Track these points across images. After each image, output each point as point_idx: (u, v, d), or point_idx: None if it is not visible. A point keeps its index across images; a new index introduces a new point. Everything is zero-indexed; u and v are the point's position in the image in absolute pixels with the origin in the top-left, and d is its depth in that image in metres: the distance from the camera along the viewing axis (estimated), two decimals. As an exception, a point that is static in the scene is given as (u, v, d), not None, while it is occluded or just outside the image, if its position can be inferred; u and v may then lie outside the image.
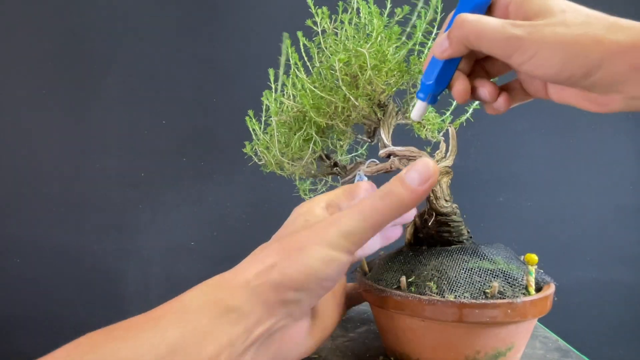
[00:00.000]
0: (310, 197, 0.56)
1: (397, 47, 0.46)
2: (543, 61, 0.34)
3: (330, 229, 0.33)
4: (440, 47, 0.38)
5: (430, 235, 0.43)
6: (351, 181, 0.52)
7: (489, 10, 0.39)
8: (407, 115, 0.49)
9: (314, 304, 0.36)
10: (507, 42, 0.34)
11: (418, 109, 0.43)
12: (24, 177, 1.23)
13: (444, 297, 0.37)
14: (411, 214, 0.45)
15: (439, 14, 0.47)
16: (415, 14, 0.47)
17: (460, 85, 0.40)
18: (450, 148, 0.43)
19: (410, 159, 0.45)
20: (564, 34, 0.33)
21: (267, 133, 0.52)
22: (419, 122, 0.53)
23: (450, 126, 0.43)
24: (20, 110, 1.22)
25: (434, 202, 0.42)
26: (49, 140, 1.23)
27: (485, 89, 0.40)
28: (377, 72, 0.44)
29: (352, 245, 0.34)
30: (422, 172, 0.34)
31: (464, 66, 0.41)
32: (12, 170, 1.22)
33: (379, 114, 0.48)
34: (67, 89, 1.23)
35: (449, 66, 0.40)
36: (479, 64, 0.42)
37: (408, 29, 0.47)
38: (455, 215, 0.42)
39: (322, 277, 0.33)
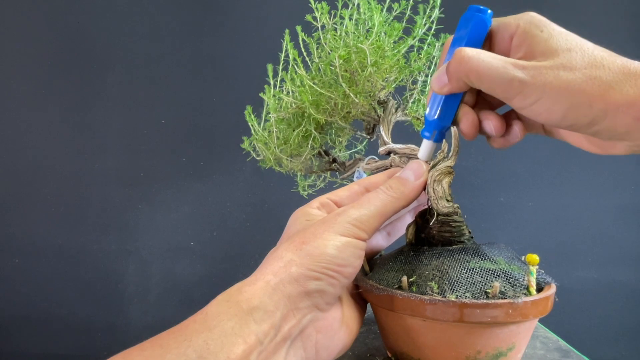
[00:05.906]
0: (308, 194, 0.57)
1: (396, 43, 0.45)
2: (546, 108, 0.32)
3: (338, 218, 0.35)
4: (440, 82, 0.37)
5: (431, 235, 0.43)
6: (350, 177, 0.52)
7: (490, 39, 0.36)
8: (407, 112, 0.49)
9: (339, 292, 0.36)
10: (510, 84, 0.32)
11: (425, 149, 0.41)
12: (24, 177, 1.23)
13: (445, 297, 0.36)
14: (410, 208, 0.46)
15: (437, 9, 0.46)
16: (409, 7, 0.47)
17: (467, 120, 0.38)
18: (452, 148, 0.43)
19: (410, 156, 0.44)
20: (569, 81, 0.31)
21: (265, 129, 0.51)
22: (418, 119, 0.52)
23: (452, 126, 0.43)
24: (20, 110, 1.22)
25: (436, 202, 0.41)
26: (49, 140, 1.23)
27: (490, 122, 0.38)
28: (377, 69, 0.44)
29: (361, 231, 0.36)
30: (416, 169, 0.40)
31: (468, 98, 0.38)
32: (12, 170, 1.22)
33: (378, 111, 0.48)
34: (67, 89, 1.22)
35: (453, 100, 0.37)
36: (481, 94, 0.39)
37: (405, 16, 0.47)
38: (457, 215, 0.42)
39: (340, 262, 0.34)
